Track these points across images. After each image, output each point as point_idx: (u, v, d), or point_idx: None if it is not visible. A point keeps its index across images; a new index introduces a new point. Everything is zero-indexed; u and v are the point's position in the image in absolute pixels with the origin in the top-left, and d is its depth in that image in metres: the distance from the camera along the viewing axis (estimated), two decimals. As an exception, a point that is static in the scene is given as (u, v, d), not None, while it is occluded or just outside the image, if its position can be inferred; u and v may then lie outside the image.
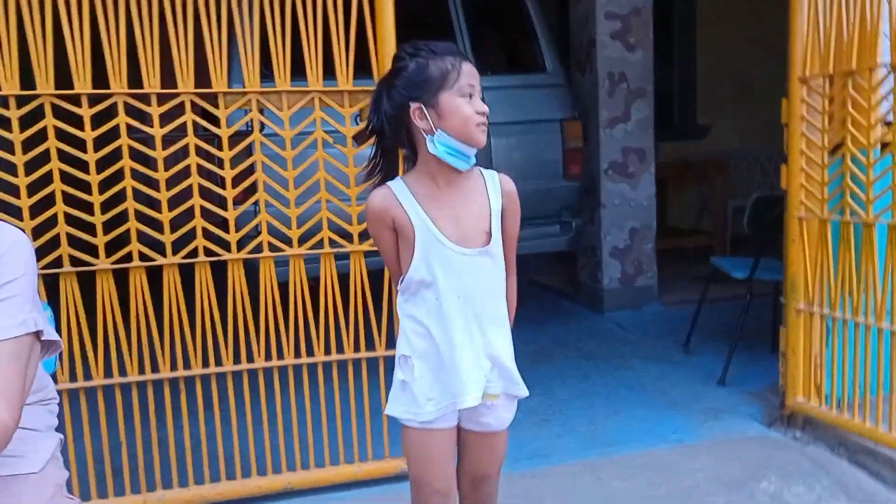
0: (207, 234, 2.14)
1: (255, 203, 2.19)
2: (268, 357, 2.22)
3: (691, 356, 3.47)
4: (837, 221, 2.41)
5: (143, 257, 2.08)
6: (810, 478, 2.22)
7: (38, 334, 1.19)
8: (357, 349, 2.28)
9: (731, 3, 6.12)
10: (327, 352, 2.26)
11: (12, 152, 1.95)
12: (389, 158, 1.45)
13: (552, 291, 5.04)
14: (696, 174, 6.10)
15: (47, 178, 1.99)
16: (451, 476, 1.47)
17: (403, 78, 1.37)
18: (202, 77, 2.11)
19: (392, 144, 1.43)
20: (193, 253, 2.12)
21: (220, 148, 2.13)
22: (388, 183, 1.42)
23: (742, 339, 3.15)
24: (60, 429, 1.35)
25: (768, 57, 5.95)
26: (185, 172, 2.12)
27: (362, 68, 2.22)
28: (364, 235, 2.22)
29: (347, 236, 2.24)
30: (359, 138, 2.24)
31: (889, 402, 2.26)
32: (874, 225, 2.28)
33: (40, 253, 1.94)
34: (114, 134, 2.04)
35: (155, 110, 2.05)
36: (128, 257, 2.07)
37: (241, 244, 2.17)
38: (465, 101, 1.35)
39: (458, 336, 1.39)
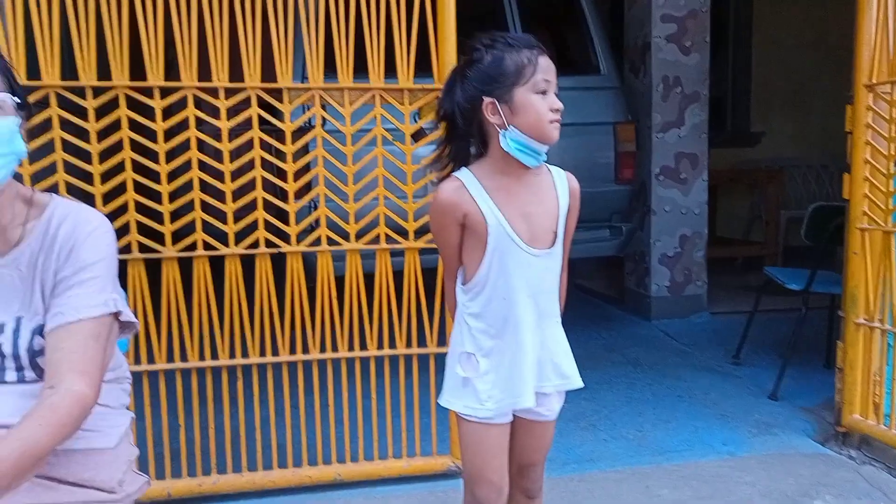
0: (268, 227, 2.19)
1: (315, 197, 2.23)
2: (322, 349, 2.26)
3: (742, 368, 3.41)
4: (903, 234, 2.35)
5: (206, 247, 2.14)
6: (866, 499, 2.16)
7: (116, 315, 1.24)
8: (409, 345, 2.30)
9: (788, 6, 5.99)
10: (380, 346, 2.29)
11: (88, 141, 2.02)
12: (459, 148, 1.41)
13: (597, 297, 5.00)
14: (747, 182, 5.99)
15: (119, 167, 2.06)
16: (504, 469, 1.48)
17: (478, 70, 1.35)
18: (267, 72, 2.16)
19: (463, 134, 1.39)
20: (254, 244, 2.17)
21: (282, 142, 2.18)
22: (458, 174, 1.39)
23: (795, 352, 3.08)
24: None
25: (824, 63, 5.83)
26: (249, 165, 2.17)
27: (423, 66, 2.24)
28: (420, 233, 2.26)
29: (403, 233, 2.26)
30: (417, 136, 2.31)
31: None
32: (943, 239, 2.21)
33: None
34: (182, 125, 2.11)
35: (223, 103, 2.11)
36: (192, 246, 2.13)
37: (299, 238, 2.22)
38: (539, 97, 1.32)
39: (525, 336, 1.39)
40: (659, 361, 3.52)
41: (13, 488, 1.06)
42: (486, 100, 1.33)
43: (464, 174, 1.39)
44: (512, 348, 1.40)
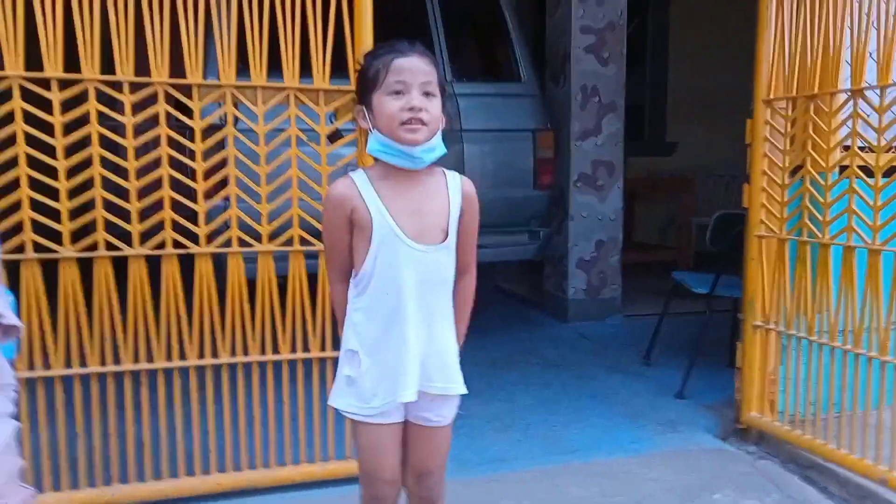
0: (176, 227, 2.12)
1: (226, 197, 2.18)
2: (233, 353, 2.20)
3: (652, 368, 3.54)
4: (795, 241, 2.49)
5: (109, 247, 2.05)
6: (761, 491, 2.28)
7: (-2, 319, 1.18)
8: (324, 348, 2.27)
9: (703, 21, 6.26)
10: (293, 350, 2.25)
11: (-22, 134, 1.91)
12: None
13: (517, 299, 5.09)
14: (663, 190, 6.23)
15: (12, 162, 1.95)
16: (397, 466, 1.51)
17: (356, 81, 1.45)
18: (176, 67, 2.09)
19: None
20: (161, 245, 2.10)
21: (192, 140, 2.12)
22: (351, 173, 1.43)
23: (701, 353, 3.22)
24: (16, 418, 1.33)
25: (736, 77, 6.09)
26: (156, 163, 2.10)
27: (339, 68, 2.23)
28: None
29: (318, 235, 2.23)
30: (333, 137, 2.29)
31: (839, 421, 2.33)
32: (830, 246, 2.36)
33: (2, 238, 1.91)
34: (84, 120, 2.02)
35: (127, 98, 2.03)
36: (93, 247, 2.04)
37: (210, 239, 2.16)
38: (391, 98, 1.35)
39: (408, 331, 1.41)
40: (574, 363, 3.61)
41: None
42: (357, 107, 1.44)
43: (357, 173, 1.44)
44: (395, 342, 1.41)
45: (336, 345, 2.25)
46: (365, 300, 1.43)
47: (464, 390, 1.49)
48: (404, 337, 1.41)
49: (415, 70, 1.35)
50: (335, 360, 2.25)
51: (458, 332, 1.53)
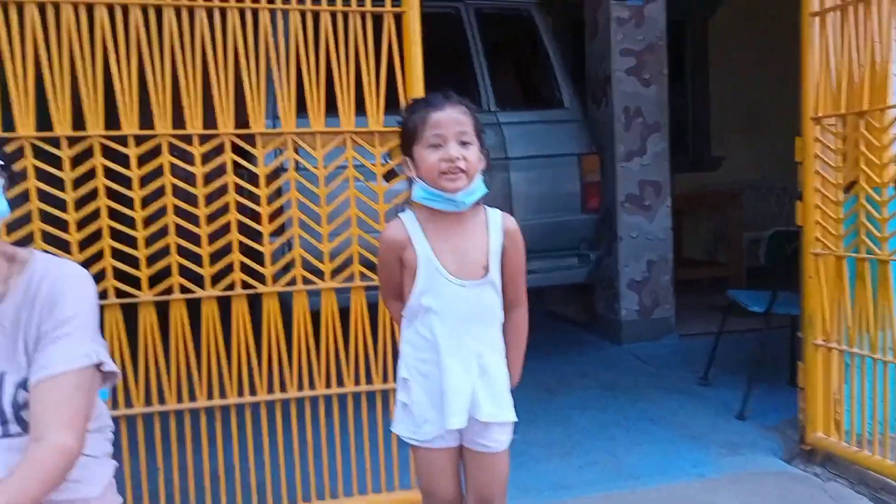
0: (244, 268, 2.22)
1: (290, 238, 2.28)
2: (300, 387, 2.29)
3: (710, 388, 3.50)
4: (853, 258, 2.47)
5: (183, 290, 2.17)
6: (831, 513, 2.25)
7: (98, 365, 1.28)
8: (385, 380, 2.34)
9: (741, 36, 6.23)
10: (356, 382, 2.33)
11: (63, 190, 2.05)
12: None
13: (569, 322, 5.08)
14: (710, 205, 6.16)
15: (95, 214, 2.09)
16: (454, 487, 1.61)
17: (400, 134, 1.56)
18: (238, 113, 2.22)
19: None
20: (230, 286, 2.21)
21: (256, 185, 2.23)
22: (401, 215, 1.57)
23: (760, 372, 3.18)
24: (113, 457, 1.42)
25: (779, 88, 6.04)
26: (224, 209, 2.22)
27: (391, 106, 2.32)
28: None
29: (375, 269, 2.31)
30: (388, 176, 2.38)
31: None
32: (889, 262, 2.33)
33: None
34: (157, 172, 2.15)
35: (197, 150, 2.16)
36: (169, 290, 2.16)
37: (275, 278, 2.26)
38: (429, 151, 1.47)
39: (450, 361, 1.50)
40: (630, 385, 3.59)
41: (2, 542, 1.08)
42: (402, 157, 1.55)
43: (406, 214, 1.57)
44: (440, 372, 1.51)
45: (395, 376, 2.32)
46: (412, 332, 1.56)
47: (513, 417, 1.57)
48: (448, 367, 1.50)
49: (450, 122, 1.47)
50: (395, 391, 2.33)
51: (514, 363, 1.62)
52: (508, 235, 1.56)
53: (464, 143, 1.47)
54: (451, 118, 1.47)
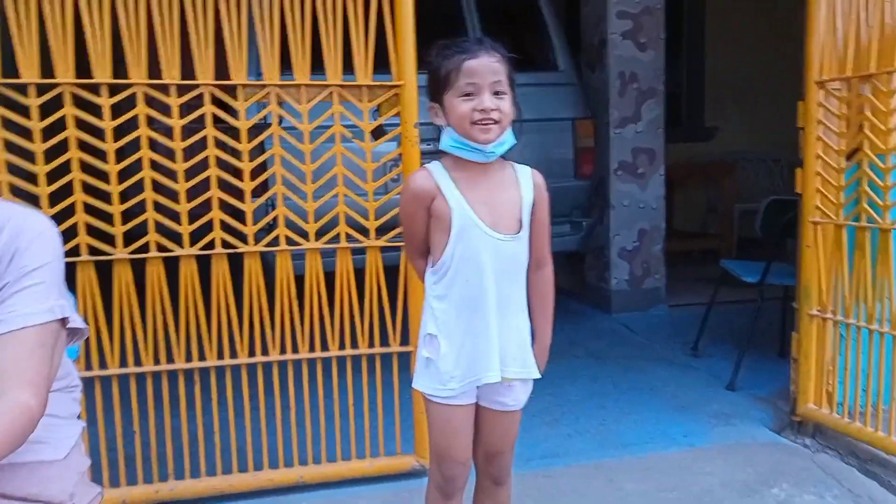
0: (225, 227, 2.13)
1: (273, 196, 2.19)
2: (282, 350, 2.22)
3: (700, 359, 3.47)
4: (853, 227, 2.41)
5: (160, 248, 2.08)
6: (821, 486, 2.22)
7: (63, 321, 1.19)
8: (371, 345, 2.27)
9: (738, 5, 6.12)
10: (341, 346, 2.26)
11: (32, 140, 1.94)
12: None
13: (558, 291, 5.02)
14: (702, 176, 6.10)
15: (66, 167, 1.99)
16: (468, 447, 1.55)
17: (427, 77, 1.48)
18: (220, 68, 2.11)
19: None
20: (210, 245, 2.12)
21: (238, 140, 2.13)
22: (428, 165, 1.48)
23: (751, 343, 3.14)
24: (79, 418, 1.35)
25: (775, 59, 5.97)
26: (203, 164, 2.12)
27: (380, 63, 2.21)
28: (381, 230, 2.24)
29: (364, 231, 2.23)
30: (377, 133, 2.28)
31: (901, 410, 2.25)
32: (891, 231, 2.27)
33: (58, 241, 1.94)
34: (132, 124, 2.04)
35: (174, 101, 2.05)
36: (145, 248, 2.06)
37: (258, 238, 2.17)
38: (461, 100, 1.40)
39: (485, 316, 1.46)
40: (620, 355, 3.56)
41: (-46, 506, 1.01)
42: (430, 104, 1.48)
43: (433, 165, 1.48)
44: (475, 328, 1.46)
45: (383, 341, 2.26)
46: (443, 287, 1.48)
47: (538, 375, 1.54)
48: (485, 322, 1.45)
49: (484, 71, 1.39)
50: (383, 357, 2.27)
51: (546, 326, 1.58)
52: (538, 190, 1.51)
53: (497, 94, 1.41)
54: (487, 67, 1.39)
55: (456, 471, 1.54)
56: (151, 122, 2.06)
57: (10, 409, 1.08)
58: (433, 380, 1.49)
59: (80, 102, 1.98)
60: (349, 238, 2.23)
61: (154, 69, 2.03)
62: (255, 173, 2.15)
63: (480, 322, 1.45)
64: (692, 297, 4.42)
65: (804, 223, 2.56)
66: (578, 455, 2.45)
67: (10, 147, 1.93)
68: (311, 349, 2.24)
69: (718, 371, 3.23)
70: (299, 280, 2.22)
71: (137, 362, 2.11)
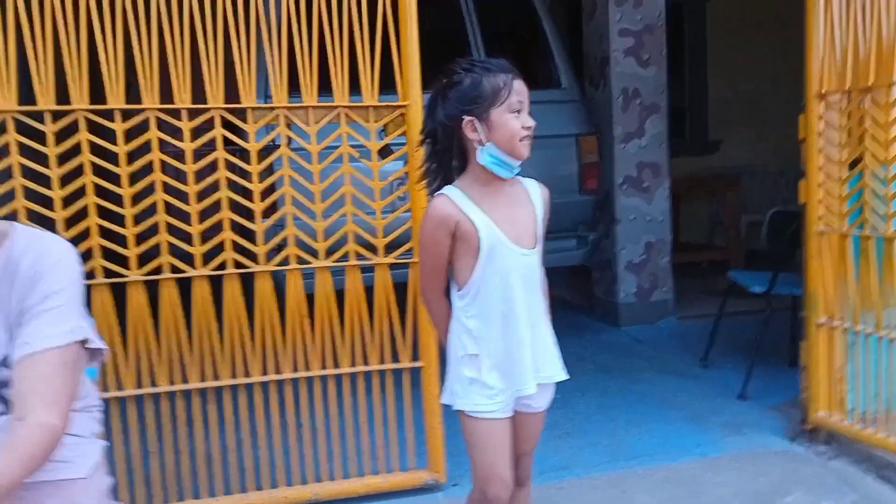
0: (236, 247, 2.17)
1: (283, 216, 2.22)
2: (295, 368, 2.24)
3: (710, 370, 3.47)
4: (857, 236, 2.42)
5: (174, 269, 2.11)
6: (836, 493, 2.22)
7: (83, 342, 1.23)
8: (382, 361, 2.29)
9: (740, 20, 6.18)
10: (353, 363, 2.28)
11: (48, 166, 1.99)
12: (443, 163, 1.53)
13: (566, 305, 5.05)
14: (707, 189, 6.12)
15: (81, 192, 2.03)
16: (509, 463, 1.56)
17: (458, 92, 1.46)
18: (229, 92, 2.15)
19: (445, 149, 1.51)
20: (222, 265, 2.15)
21: (247, 162, 2.17)
22: (444, 191, 1.50)
23: (761, 353, 3.14)
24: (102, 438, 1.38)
25: (777, 72, 6.03)
26: (214, 186, 2.16)
27: (387, 84, 2.26)
28: (390, 248, 2.27)
29: (372, 249, 2.26)
30: (383, 152, 2.32)
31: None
32: (894, 239, 2.29)
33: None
34: (145, 148, 2.09)
35: (186, 125, 2.10)
36: (158, 269, 2.10)
37: (268, 257, 2.20)
38: (513, 116, 1.45)
39: (523, 330, 1.50)
40: (629, 367, 3.56)
41: (-19, 522, 1.04)
42: (466, 118, 1.45)
43: (450, 190, 1.50)
44: (511, 341, 1.50)
45: (394, 357, 2.28)
46: (477, 307, 1.50)
47: (565, 375, 1.59)
48: (519, 336, 1.50)
49: (525, 91, 1.47)
50: (394, 372, 2.29)
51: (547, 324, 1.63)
52: (546, 203, 1.57)
53: (529, 114, 1.48)
54: (524, 86, 1.47)
55: (501, 491, 1.54)
56: (163, 145, 2.10)
57: (34, 428, 1.11)
58: (480, 396, 1.51)
59: (94, 128, 2.03)
60: (358, 256, 2.26)
61: (165, 94, 2.08)
62: (265, 194, 2.19)
63: (514, 335, 1.49)
64: (700, 308, 4.43)
65: (809, 233, 2.58)
66: (590, 467, 2.45)
67: (27, 173, 1.98)
68: (323, 366, 2.26)
69: (729, 381, 3.23)
70: (310, 298, 2.24)
71: (153, 382, 2.14)
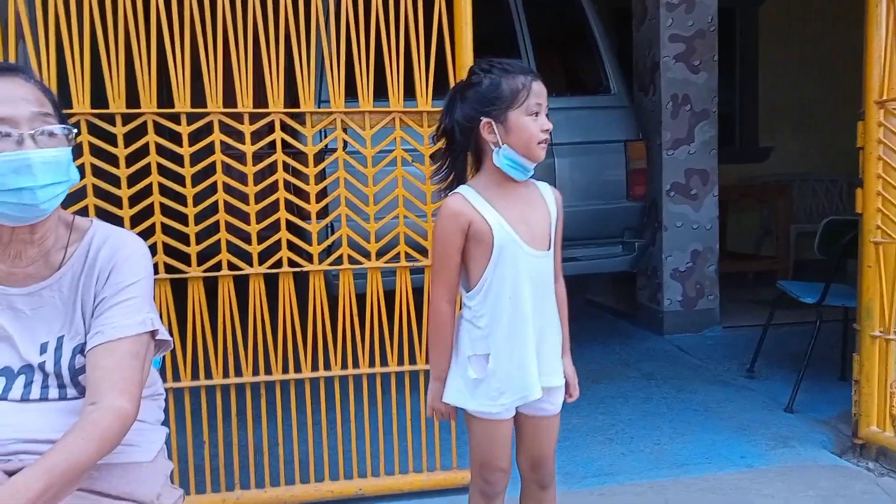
0: (291, 246, 2.24)
1: (336, 217, 2.29)
2: (344, 366, 2.30)
3: (757, 381, 3.42)
4: (916, 247, 2.37)
5: (231, 267, 2.19)
6: (886, 509, 2.18)
7: (153, 333, 1.29)
8: (428, 361, 2.33)
9: (793, 25, 6.06)
10: (400, 362, 2.33)
11: (117, 166, 2.09)
12: (457, 160, 1.56)
13: (609, 312, 5.03)
14: (757, 197, 6.01)
15: (147, 191, 2.13)
16: (509, 455, 1.60)
17: (477, 93, 1.47)
18: (287, 96, 2.23)
19: (460, 149, 1.53)
20: (278, 263, 2.22)
21: (304, 164, 2.24)
22: (459, 190, 1.52)
23: (809, 365, 3.09)
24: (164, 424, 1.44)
25: (829, 79, 5.89)
26: (271, 187, 2.23)
27: (441, 89, 2.30)
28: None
29: (423, 251, 2.31)
30: (435, 156, 2.36)
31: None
32: (955, 252, 2.23)
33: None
34: (209, 150, 2.17)
35: (247, 128, 2.17)
36: (217, 266, 2.18)
37: (321, 257, 2.27)
38: (531, 119, 1.45)
39: (528, 333, 1.50)
40: (673, 376, 3.53)
41: (59, 499, 1.10)
42: (483, 120, 1.46)
43: (464, 189, 1.52)
44: (518, 346, 1.50)
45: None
46: (487, 307, 1.51)
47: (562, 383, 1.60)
48: (525, 338, 1.50)
49: (544, 94, 1.47)
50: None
51: (566, 331, 1.63)
52: (559, 207, 1.58)
53: (547, 116, 1.49)
54: (544, 89, 1.47)
55: (499, 478, 1.60)
56: (226, 148, 2.19)
57: (107, 413, 1.17)
58: (484, 397, 1.52)
59: (160, 130, 2.12)
60: (408, 257, 2.31)
61: (228, 99, 2.16)
62: (319, 196, 2.26)
63: (522, 338, 1.50)
64: (747, 318, 4.37)
65: (865, 243, 2.53)
66: (633, 474, 2.45)
67: (97, 172, 2.08)
68: (371, 365, 2.32)
69: (776, 393, 3.18)
70: (360, 298, 2.30)
71: (208, 375, 2.22)
